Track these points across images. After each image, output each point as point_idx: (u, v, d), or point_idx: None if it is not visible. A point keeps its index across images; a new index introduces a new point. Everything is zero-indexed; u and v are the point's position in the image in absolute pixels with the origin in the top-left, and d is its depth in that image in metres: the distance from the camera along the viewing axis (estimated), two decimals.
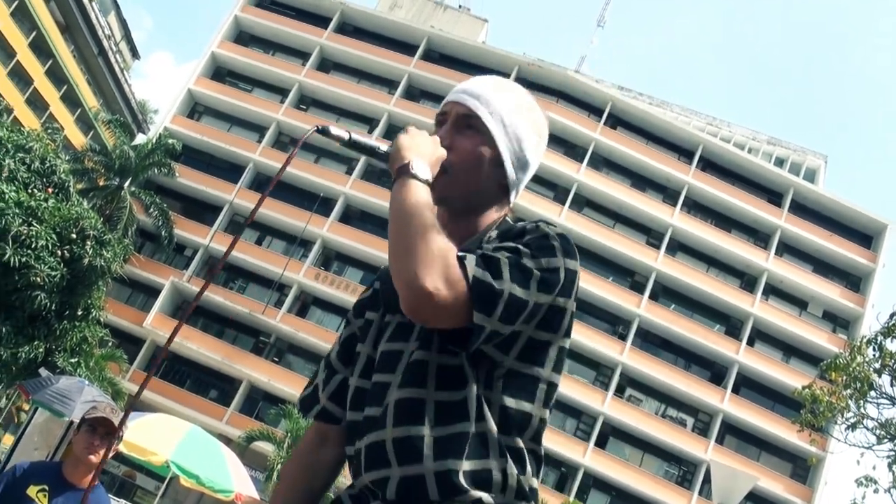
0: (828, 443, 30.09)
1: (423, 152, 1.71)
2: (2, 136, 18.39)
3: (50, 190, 19.21)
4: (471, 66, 50.95)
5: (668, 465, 45.23)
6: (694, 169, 49.11)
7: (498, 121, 1.85)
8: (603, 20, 61.33)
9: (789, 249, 48.81)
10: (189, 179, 47.88)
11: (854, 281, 48.59)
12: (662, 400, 46.11)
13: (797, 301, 48.06)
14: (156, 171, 43.45)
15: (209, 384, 45.06)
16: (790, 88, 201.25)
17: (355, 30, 53.07)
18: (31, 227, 16.85)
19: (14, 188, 17.52)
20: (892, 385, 12.54)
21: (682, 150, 50.24)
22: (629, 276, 47.47)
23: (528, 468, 1.68)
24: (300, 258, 46.42)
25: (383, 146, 1.79)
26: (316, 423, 1.95)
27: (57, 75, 46.65)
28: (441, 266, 1.53)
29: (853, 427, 12.66)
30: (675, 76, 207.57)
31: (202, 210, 48.41)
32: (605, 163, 49.46)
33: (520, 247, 1.64)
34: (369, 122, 50.06)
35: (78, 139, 48.86)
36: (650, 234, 48.27)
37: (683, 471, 44.99)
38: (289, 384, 42.02)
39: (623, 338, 45.60)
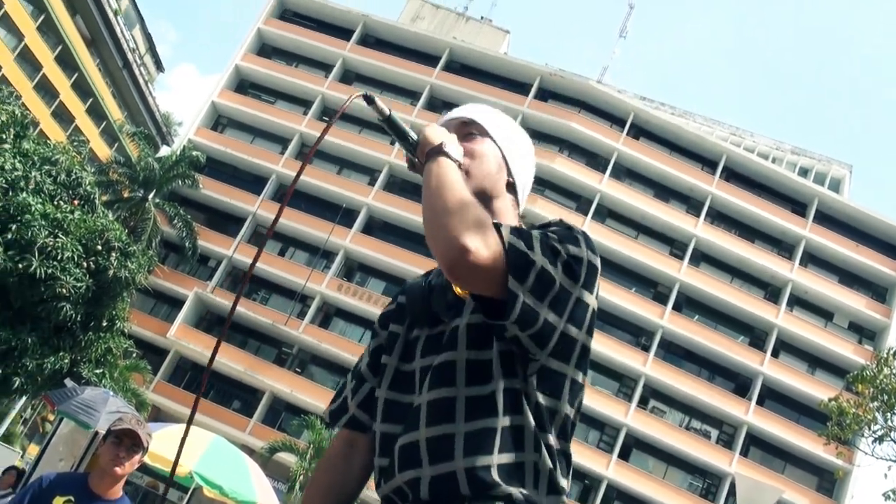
0: (854, 455, 29.72)
1: (452, 141, 1.80)
2: (28, 149, 18.56)
3: (76, 202, 19.36)
4: (492, 76, 51.09)
5: (693, 477, 44.89)
6: (717, 179, 48.89)
7: (494, 126, 1.95)
8: (625, 30, 61.31)
9: (814, 260, 48.45)
10: (213, 191, 48.17)
11: (880, 291, 48.14)
12: (686, 412, 45.80)
13: (822, 312, 47.67)
14: (180, 182, 43.73)
15: (232, 395, 45.20)
16: (814, 98, 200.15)
17: (378, 41, 53.30)
18: (58, 239, 16.98)
19: (40, 200, 17.67)
20: None
21: (706, 161, 50.03)
22: (652, 286, 47.26)
23: (559, 466, 1.70)
24: (323, 269, 46.54)
25: (413, 135, 1.87)
26: (344, 431, 1.98)
27: (83, 88, 47.09)
28: (479, 228, 1.58)
29: (880, 440, 12.54)
30: (698, 86, 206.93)
31: (226, 221, 48.67)
32: (627, 173, 49.33)
33: (548, 233, 1.70)
34: None
35: (103, 151, 49.28)
36: (673, 244, 48.06)
37: (708, 483, 44.63)
38: (311, 395, 42.10)
39: (646, 349, 45.38)
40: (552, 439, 1.69)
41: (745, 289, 47.60)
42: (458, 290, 1.79)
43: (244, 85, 53.28)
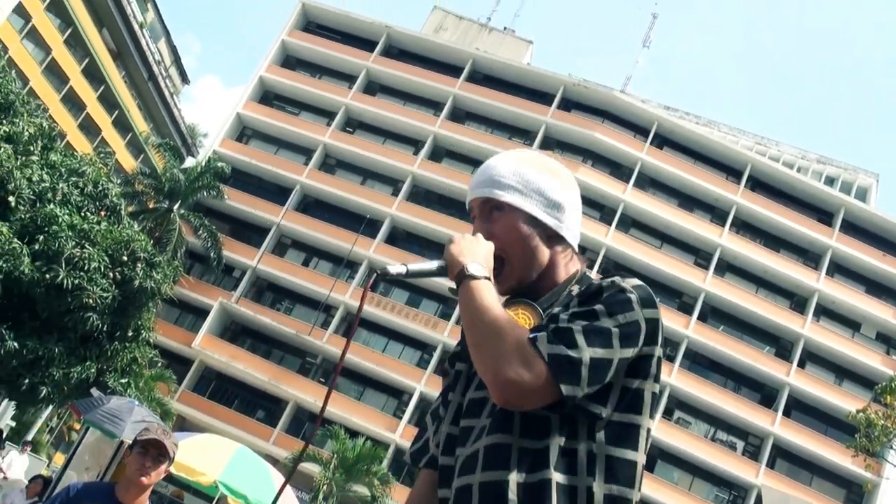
0: (883, 468, 29.45)
1: (474, 252, 1.79)
2: (56, 161, 18.73)
3: (102, 213, 19.52)
4: (516, 87, 51.09)
5: (719, 489, 44.52)
6: (742, 188, 48.62)
7: (511, 189, 1.90)
8: (648, 40, 61.08)
9: (841, 269, 48.04)
10: (237, 202, 48.42)
11: None
12: (712, 423, 45.46)
13: (849, 322, 47.23)
14: (205, 193, 43.96)
15: (256, 404, 45.34)
16: (840, 106, 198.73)
17: (401, 52, 53.47)
18: (84, 250, 17.10)
19: (68, 212, 17.82)
20: None
21: (731, 170, 49.78)
22: (677, 296, 47.00)
23: None
24: (347, 279, 46.64)
25: (436, 263, 1.85)
26: (426, 471, 2.02)
27: (109, 101, 47.50)
28: (517, 354, 1.61)
29: None
30: (722, 95, 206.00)
31: (250, 232, 48.91)
32: (651, 183, 49.14)
33: (596, 308, 1.70)
34: (415, 143, 50.34)
35: (129, 163, 49.65)
36: (698, 254, 47.80)
37: (734, 495, 44.24)
38: (335, 405, 42.15)
39: (671, 359, 45.09)
40: (615, 490, 1.69)
41: (771, 299, 47.25)
42: None
43: (268, 96, 53.60)
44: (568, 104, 50.64)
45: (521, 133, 50.29)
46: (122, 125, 49.96)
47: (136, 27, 46.41)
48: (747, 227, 48.65)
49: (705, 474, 44.10)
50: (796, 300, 47.47)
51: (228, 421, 42.22)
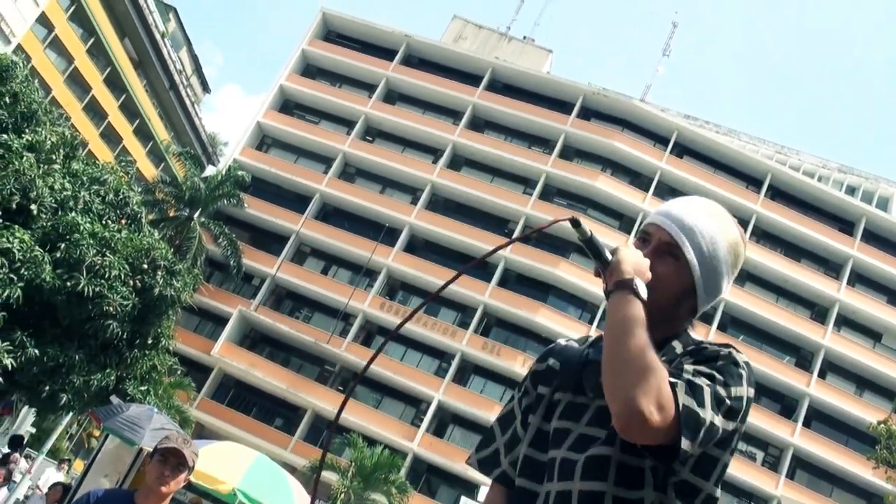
0: None
1: (643, 272, 1.81)
2: (77, 169, 18.84)
3: (123, 221, 19.62)
4: (535, 96, 51.08)
5: (739, 500, 44.21)
6: (763, 198, 48.39)
7: (699, 251, 1.94)
8: (668, 49, 60.89)
9: (862, 279, 47.69)
10: (257, 210, 48.60)
11: None
12: None
13: (871, 332, 46.86)
14: (225, 201, 44.16)
15: (274, 412, 45.43)
16: (861, 116, 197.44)
17: (421, 61, 53.60)
18: (105, 258, 17.18)
19: (89, 220, 17.90)
20: None
21: (751, 179, 49.56)
22: None
23: None
24: (365, 288, 46.71)
25: (607, 252, 1.86)
26: (498, 485, 2.06)
27: (130, 109, 47.84)
28: (656, 391, 1.62)
29: None
30: (742, 104, 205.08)
31: (269, 240, 49.08)
32: (671, 192, 48.90)
33: (715, 373, 1.74)
34: (434, 152, 50.40)
35: (149, 171, 49.95)
36: None
37: None
38: (353, 413, 42.16)
39: None
40: None
41: (791, 309, 46.96)
42: None
43: (289, 105, 53.83)
44: (587, 113, 50.57)
45: (540, 142, 50.28)
46: (144, 134, 50.29)
47: (157, 36, 46.73)
48: (768, 236, 48.39)
49: (725, 485, 43.33)
50: (817, 310, 47.16)
51: (247, 429, 42.32)
